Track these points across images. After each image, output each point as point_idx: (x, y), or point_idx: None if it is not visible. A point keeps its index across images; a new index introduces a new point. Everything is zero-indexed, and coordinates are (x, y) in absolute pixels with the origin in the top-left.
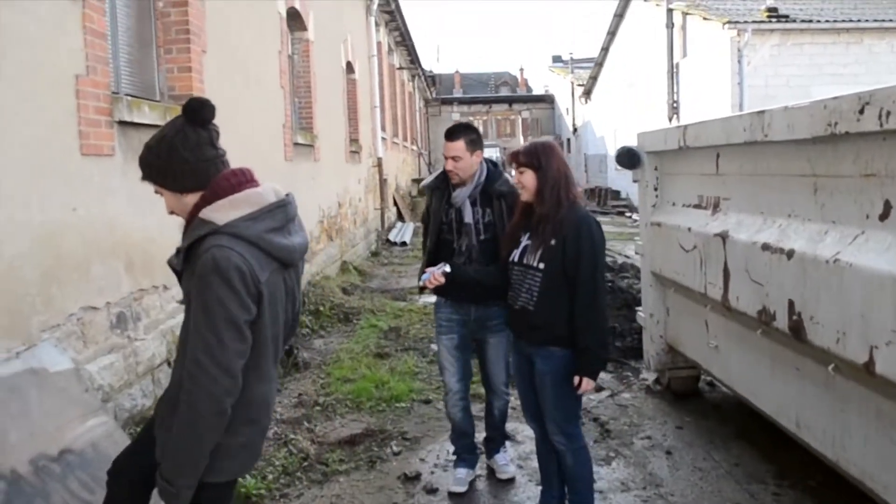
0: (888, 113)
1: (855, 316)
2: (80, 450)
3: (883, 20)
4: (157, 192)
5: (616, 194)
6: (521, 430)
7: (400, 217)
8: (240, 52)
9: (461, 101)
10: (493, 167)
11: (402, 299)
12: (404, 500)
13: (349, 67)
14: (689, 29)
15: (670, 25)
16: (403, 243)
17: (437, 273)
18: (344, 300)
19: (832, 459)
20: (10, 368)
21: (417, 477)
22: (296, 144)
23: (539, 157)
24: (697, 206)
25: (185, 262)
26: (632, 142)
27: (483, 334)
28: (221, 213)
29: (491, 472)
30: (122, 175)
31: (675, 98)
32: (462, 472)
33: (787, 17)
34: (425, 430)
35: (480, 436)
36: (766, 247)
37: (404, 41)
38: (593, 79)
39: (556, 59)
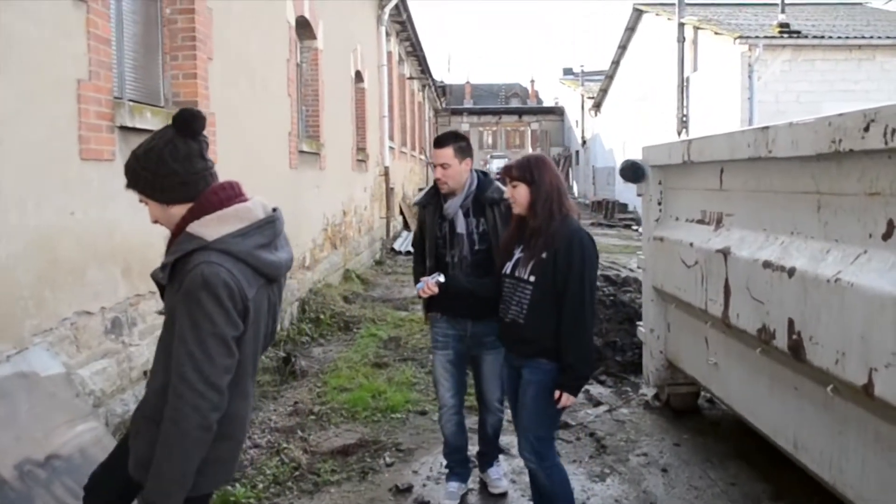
0: (893, 131)
1: (855, 337)
2: (67, 455)
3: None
4: (141, 201)
5: (623, 207)
6: (515, 445)
7: (406, 226)
8: (247, 59)
9: (471, 112)
10: (483, 176)
11: (404, 309)
12: None
13: (358, 76)
14: (700, 43)
15: (681, 40)
16: (409, 252)
17: (431, 282)
18: (345, 309)
19: (829, 482)
20: (0, 372)
21: (409, 489)
22: (301, 152)
23: (532, 171)
24: (700, 222)
25: (171, 276)
26: (639, 155)
27: (479, 350)
28: (210, 228)
29: (483, 486)
30: (122, 180)
31: (685, 112)
32: (454, 485)
33: (798, 32)
34: (420, 441)
35: (474, 449)
36: (767, 264)
37: (415, 51)
38: (603, 91)
39: (567, 71)
